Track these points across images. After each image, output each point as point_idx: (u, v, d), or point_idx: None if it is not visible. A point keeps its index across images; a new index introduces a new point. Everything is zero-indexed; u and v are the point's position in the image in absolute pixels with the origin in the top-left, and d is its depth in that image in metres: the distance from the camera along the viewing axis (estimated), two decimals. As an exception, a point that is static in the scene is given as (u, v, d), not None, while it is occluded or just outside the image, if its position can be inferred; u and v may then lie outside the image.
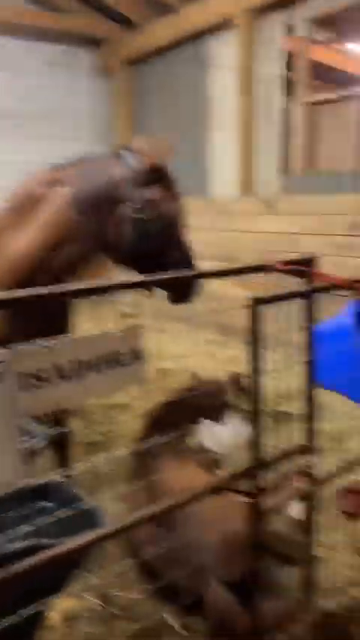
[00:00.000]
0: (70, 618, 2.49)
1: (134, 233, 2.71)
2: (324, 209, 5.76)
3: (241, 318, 1.83)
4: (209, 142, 7.95)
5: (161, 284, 2.38)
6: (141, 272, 2.73)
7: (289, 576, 2.56)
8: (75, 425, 4.14)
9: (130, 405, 4.79)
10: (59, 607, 2.49)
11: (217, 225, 7.06)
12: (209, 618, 2.33)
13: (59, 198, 2.78)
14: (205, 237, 7.26)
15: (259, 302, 1.78)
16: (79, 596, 2.56)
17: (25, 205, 2.86)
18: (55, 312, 2.82)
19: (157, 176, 2.75)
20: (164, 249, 2.74)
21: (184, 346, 6.14)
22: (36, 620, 2.05)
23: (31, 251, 2.81)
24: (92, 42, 9.17)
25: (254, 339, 1.84)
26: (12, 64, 8.71)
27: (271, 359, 2.10)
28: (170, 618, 2.48)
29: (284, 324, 2.00)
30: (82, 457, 4.07)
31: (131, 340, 1.82)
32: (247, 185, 7.09)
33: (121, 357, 1.83)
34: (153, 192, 2.74)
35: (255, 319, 1.81)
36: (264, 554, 2.46)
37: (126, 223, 2.74)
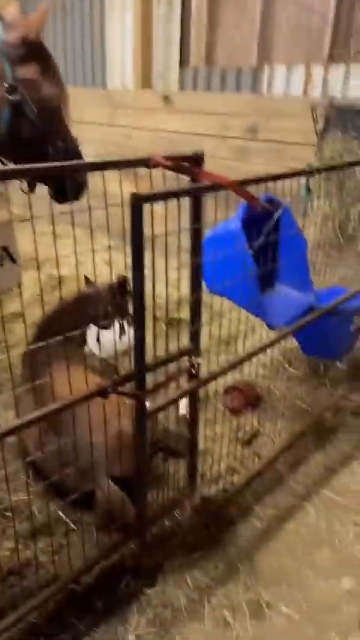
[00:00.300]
0: None
1: (9, 116, 2.43)
2: (222, 109, 5.59)
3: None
4: (107, 32, 7.28)
5: (36, 176, 2.19)
6: (18, 164, 2.49)
7: (175, 467, 2.73)
8: None
9: (23, 313, 4.64)
10: None
11: (113, 120, 6.68)
12: (99, 512, 2.44)
13: None
14: (99, 133, 6.89)
15: (139, 199, 1.69)
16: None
17: None
18: None
19: (32, 52, 2.43)
20: (44, 138, 2.49)
21: (81, 252, 5.96)
22: None
23: None
24: None
25: (136, 239, 1.77)
26: None
27: (165, 265, 2.06)
28: (62, 514, 2.57)
29: (175, 228, 1.95)
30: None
31: (2, 238, 1.68)
32: (144, 78, 6.68)
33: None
34: (29, 71, 2.43)
35: (137, 218, 1.74)
36: (151, 450, 2.59)
37: None
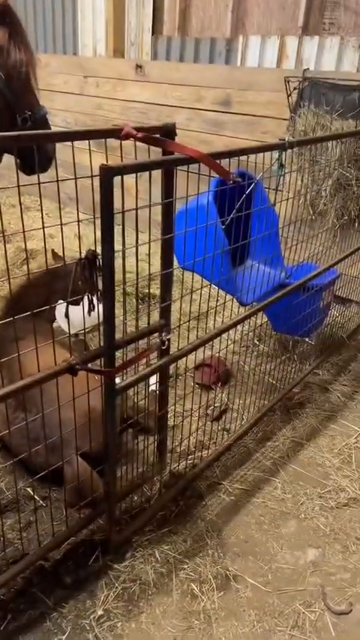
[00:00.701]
0: None
1: None
2: (195, 80, 5.46)
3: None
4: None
5: (3, 146, 2.11)
6: None
7: (145, 443, 2.73)
8: None
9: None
10: None
11: (84, 90, 6.47)
12: (68, 488, 2.43)
13: None
14: (70, 102, 6.67)
15: (109, 171, 1.64)
16: None
17: None
18: None
19: (1, 17, 2.34)
20: (11, 107, 2.40)
21: (51, 225, 5.83)
22: None
23: None
24: None
25: (105, 213, 1.72)
26: None
27: (138, 239, 2.02)
28: (30, 491, 2.55)
29: (146, 201, 1.90)
30: None
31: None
32: (117, 47, 6.46)
33: None
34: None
35: (106, 191, 1.68)
36: (120, 426, 2.57)
37: None
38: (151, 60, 6.24)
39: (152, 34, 6.28)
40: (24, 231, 1.67)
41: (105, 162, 1.65)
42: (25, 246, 1.80)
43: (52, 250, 3.24)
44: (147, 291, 4.28)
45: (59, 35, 7.36)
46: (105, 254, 1.80)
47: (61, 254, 3.05)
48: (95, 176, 1.68)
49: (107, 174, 1.64)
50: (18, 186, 1.57)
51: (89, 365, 2.02)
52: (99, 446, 2.36)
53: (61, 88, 6.69)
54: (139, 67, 5.81)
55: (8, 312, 2.84)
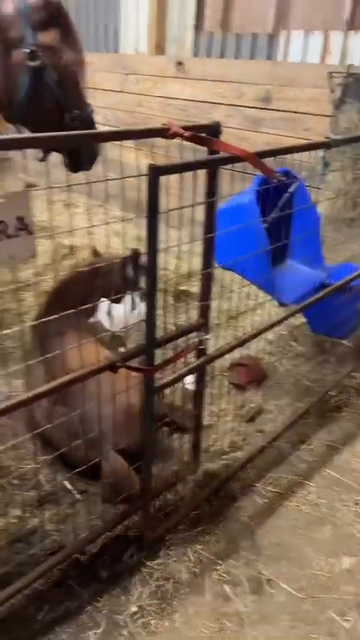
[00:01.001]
0: None
1: (29, 83, 2.36)
2: (236, 76, 5.41)
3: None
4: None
5: (53, 144, 2.13)
6: (35, 131, 2.42)
7: (180, 442, 2.73)
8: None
9: (35, 282, 4.60)
10: None
11: (124, 87, 6.49)
12: (105, 483, 2.45)
13: None
14: (110, 100, 6.70)
15: (157, 172, 1.63)
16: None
17: None
18: None
19: (54, 16, 2.36)
20: (61, 106, 2.43)
21: (93, 222, 5.89)
22: None
23: None
24: None
25: (152, 213, 1.72)
26: None
27: (176, 237, 2.01)
28: (68, 485, 2.58)
29: (189, 200, 1.90)
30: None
31: (17, 208, 1.63)
32: (158, 44, 6.46)
33: (6, 228, 1.65)
34: (50, 36, 2.36)
35: (153, 191, 1.68)
36: (157, 424, 2.58)
37: (19, 71, 2.36)
38: (191, 56, 6.22)
39: (194, 31, 6.26)
40: (71, 230, 1.68)
41: (152, 162, 1.65)
42: (70, 241, 1.82)
43: (94, 247, 3.26)
44: (185, 289, 4.28)
45: (101, 33, 7.41)
46: (149, 253, 1.80)
47: (101, 251, 3.08)
48: (142, 175, 1.68)
49: (155, 174, 1.64)
50: (69, 185, 1.58)
51: (129, 362, 2.03)
52: (136, 443, 2.37)
53: (103, 85, 6.72)
54: (179, 63, 5.80)
55: (50, 306, 2.88)
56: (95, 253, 3.31)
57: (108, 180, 1.67)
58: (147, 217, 1.72)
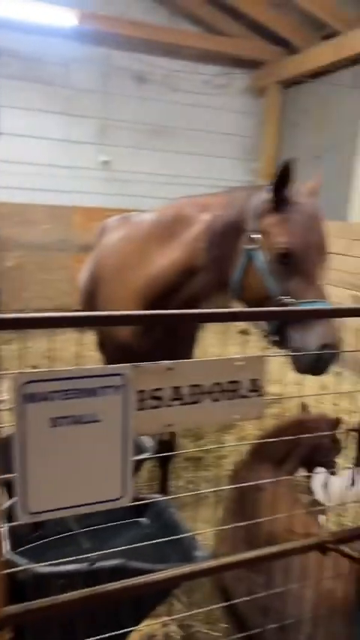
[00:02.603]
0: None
1: (241, 267, 2.50)
2: None
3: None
4: (355, 168, 7.66)
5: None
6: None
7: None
8: (180, 438, 4.14)
9: (236, 425, 4.71)
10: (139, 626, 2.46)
11: (349, 251, 6.76)
12: None
13: (200, 225, 2.67)
14: (335, 262, 6.98)
15: None
16: (160, 620, 2.50)
17: (175, 224, 2.81)
18: (184, 333, 2.79)
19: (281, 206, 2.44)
20: (268, 289, 2.42)
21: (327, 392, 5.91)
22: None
23: (169, 272, 2.76)
24: (250, 64, 9.27)
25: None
26: (171, 83, 9.09)
27: None
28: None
29: None
30: (182, 473, 4.06)
31: (253, 371, 1.72)
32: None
33: (240, 388, 1.74)
34: (269, 221, 2.44)
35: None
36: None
37: (240, 254, 2.52)
38: None
39: None
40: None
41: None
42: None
43: (303, 402, 3.18)
44: None
45: (332, 205, 8.03)
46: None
47: (307, 406, 3.00)
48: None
49: None
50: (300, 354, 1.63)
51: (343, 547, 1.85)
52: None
53: (333, 250, 7.10)
54: None
55: (254, 457, 2.84)
56: (304, 408, 3.21)
57: (337, 352, 1.69)
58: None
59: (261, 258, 2.44)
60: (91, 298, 3.56)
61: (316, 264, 2.42)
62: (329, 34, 7.93)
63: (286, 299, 2.34)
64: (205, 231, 2.64)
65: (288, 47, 8.72)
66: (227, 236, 2.55)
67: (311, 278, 2.38)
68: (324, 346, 2.12)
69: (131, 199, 8.91)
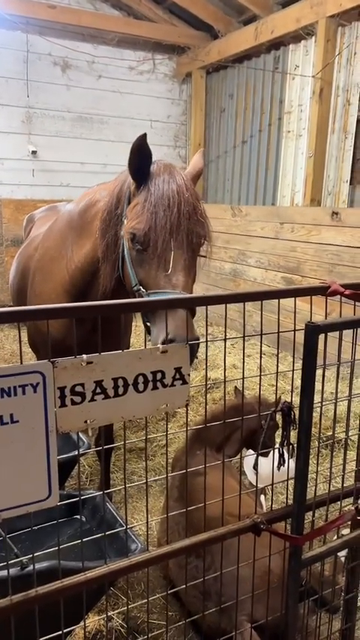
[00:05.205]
0: (91, 637, 2.42)
1: (120, 254, 2.38)
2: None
3: (300, 334, 1.70)
4: (281, 151, 7.81)
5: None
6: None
7: (329, 627, 2.37)
8: (118, 429, 4.11)
9: (177, 413, 4.72)
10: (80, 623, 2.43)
11: (279, 234, 6.90)
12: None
13: (100, 212, 2.54)
14: (265, 245, 7.13)
15: (315, 331, 1.63)
16: (103, 614, 2.48)
17: (88, 213, 2.71)
18: (113, 325, 2.71)
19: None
20: (122, 277, 2.36)
21: (236, 356, 6.01)
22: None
23: (85, 263, 2.69)
24: (174, 49, 9.20)
25: (309, 369, 1.69)
26: (96, 69, 8.89)
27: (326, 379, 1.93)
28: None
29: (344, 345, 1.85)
30: (122, 464, 4.03)
31: (177, 360, 1.71)
32: (314, 195, 6.90)
33: (164, 377, 1.72)
34: (130, 205, 2.30)
35: (310, 347, 1.67)
36: (301, 597, 2.30)
37: (119, 242, 2.38)
38: (347, 207, 6.51)
39: (349, 185, 6.64)
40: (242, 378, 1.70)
41: (310, 321, 1.66)
42: (224, 390, 1.83)
43: (235, 387, 3.23)
44: (339, 437, 4.03)
45: (261, 189, 8.16)
46: (304, 409, 1.74)
47: (239, 390, 3.05)
48: (298, 330, 1.70)
49: (313, 332, 1.64)
50: (243, 337, 1.63)
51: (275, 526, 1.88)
52: (275, 618, 2.11)
53: (258, 233, 7.23)
54: (335, 213, 6.06)
55: (194, 443, 2.86)
56: (236, 392, 3.25)
57: (262, 334, 1.71)
58: (302, 373, 1.69)
59: (125, 246, 2.31)
60: (20, 293, 3.45)
61: (168, 249, 2.13)
62: (250, 19, 7.99)
63: (135, 288, 2.22)
64: (99, 219, 2.52)
65: (211, 32, 8.72)
66: (109, 223, 2.43)
67: (162, 265, 2.14)
68: (168, 341, 1.87)
69: (61, 190, 8.70)
